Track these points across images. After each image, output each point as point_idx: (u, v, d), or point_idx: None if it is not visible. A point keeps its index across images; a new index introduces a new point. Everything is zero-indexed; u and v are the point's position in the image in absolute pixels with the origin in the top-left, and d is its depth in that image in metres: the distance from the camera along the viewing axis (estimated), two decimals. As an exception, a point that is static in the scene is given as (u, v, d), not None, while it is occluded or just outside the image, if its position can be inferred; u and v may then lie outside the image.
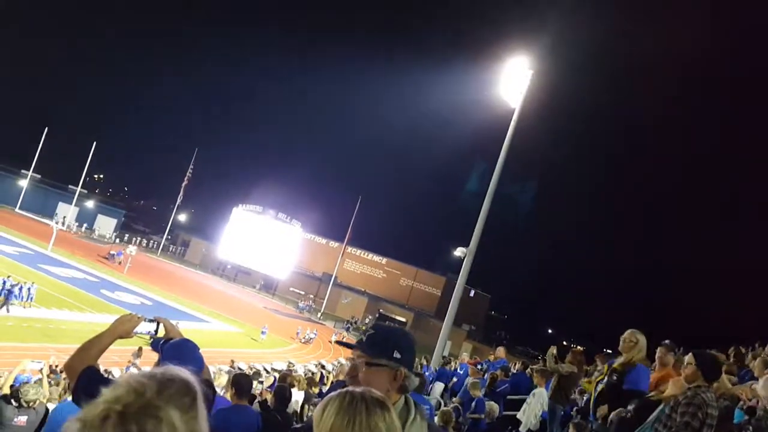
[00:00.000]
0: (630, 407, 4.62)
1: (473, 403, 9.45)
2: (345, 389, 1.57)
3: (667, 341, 5.44)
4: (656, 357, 5.53)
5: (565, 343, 72.56)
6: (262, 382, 13.43)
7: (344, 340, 7.45)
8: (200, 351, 2.75)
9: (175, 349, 2.68)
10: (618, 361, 5.19)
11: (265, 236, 62.34)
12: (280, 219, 64.64)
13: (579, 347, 11.46)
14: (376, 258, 73.09)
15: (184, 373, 1.16)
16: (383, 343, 2.02)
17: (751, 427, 4.78)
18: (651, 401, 4.53)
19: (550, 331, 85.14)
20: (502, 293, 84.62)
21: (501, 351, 14.75)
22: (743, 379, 7.67)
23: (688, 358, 4.56)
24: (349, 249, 68.08)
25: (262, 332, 34.48)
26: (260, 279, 64.36)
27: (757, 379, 6.26)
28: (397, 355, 2.00)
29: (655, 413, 4.40)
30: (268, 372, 17.45)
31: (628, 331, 5.12)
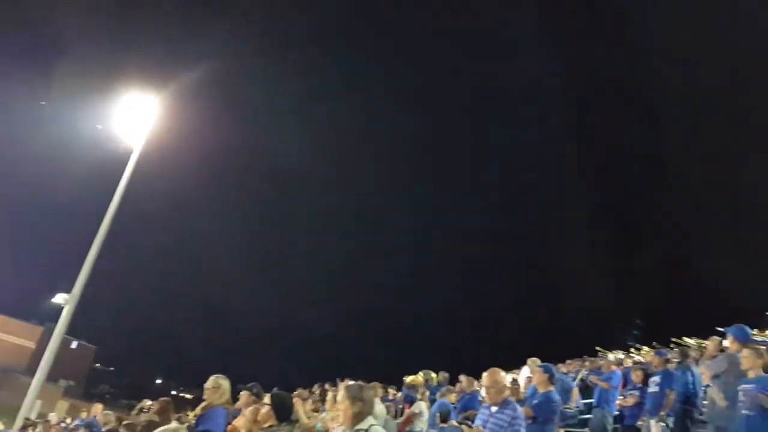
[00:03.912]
0: None
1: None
2: None
3: (251, 384, 5.92)
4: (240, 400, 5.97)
5: (174, 392, 70.73)
6: None
7: None
8: None
9: None
10: (200, 406, 5.46)
11: None
12: None
13: (165, 397, 11.41)
14: (-53, 305, 59.84)
15: None
16: None
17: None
18: None
19: (158, 381, 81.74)
20: (110, 343, 78.17)
21: (98, 407, 13.88)
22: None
23: (267, 399, 5.10)
24: None
25: None
26: None
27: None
28: None
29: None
30: None
31: (212, 377, 5.43)
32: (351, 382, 3.93)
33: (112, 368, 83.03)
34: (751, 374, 6.20)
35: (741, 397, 6.12)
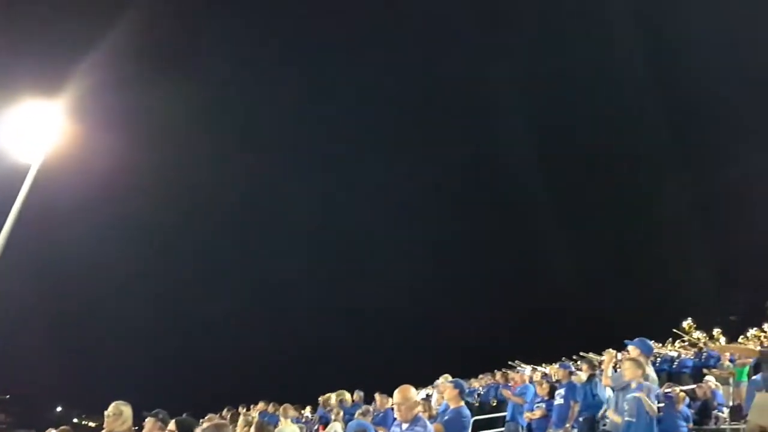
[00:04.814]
0: None
1: None
2: None
3: (157, 410, 5.71)
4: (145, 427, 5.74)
5: (75, 420, 66.53)
6: None
7: None
8: None
9: None
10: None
11: None
12: None
13: (64, 426, 10.77)
14: None
15: None
16: None
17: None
18: None
19: (59, 408, 76.79)
20: (5, 369, 72.52)
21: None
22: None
23: (171, 425, 4.93)
24: None
25: None
26: None
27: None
28: None
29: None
30: None
31: (113, 403, 5.23)
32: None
33: (7, 396, 77.37)
34: (633, 384, 6.65)
35: (625, 406, 6.59)
